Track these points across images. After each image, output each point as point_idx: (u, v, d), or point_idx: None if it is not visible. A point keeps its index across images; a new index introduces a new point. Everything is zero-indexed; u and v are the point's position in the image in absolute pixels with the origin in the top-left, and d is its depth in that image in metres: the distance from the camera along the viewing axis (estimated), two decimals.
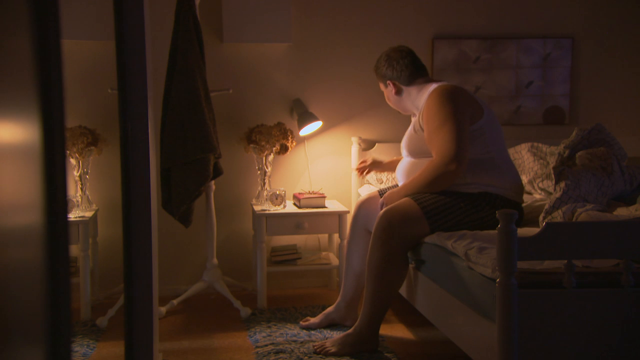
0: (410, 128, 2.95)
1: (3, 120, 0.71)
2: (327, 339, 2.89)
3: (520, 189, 2.85)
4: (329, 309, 3.13)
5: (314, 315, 3.19)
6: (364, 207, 3.09)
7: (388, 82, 3.01)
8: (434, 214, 2.68)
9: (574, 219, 2.60)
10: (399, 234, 2.68)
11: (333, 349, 2.73)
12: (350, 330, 2.78)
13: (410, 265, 2.85)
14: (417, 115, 2.89)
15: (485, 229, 2.68)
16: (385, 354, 2.75)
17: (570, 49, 4.04)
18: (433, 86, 2.86)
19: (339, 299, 3.11)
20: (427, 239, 2.69)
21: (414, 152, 2.89)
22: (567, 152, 3.15)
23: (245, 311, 3.30)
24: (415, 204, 2.71)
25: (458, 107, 2.73)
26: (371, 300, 2.73)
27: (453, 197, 2.73)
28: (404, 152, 2.97)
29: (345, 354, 2.71)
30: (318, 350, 2.75)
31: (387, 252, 2.68)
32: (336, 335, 2.91)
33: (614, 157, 3.00)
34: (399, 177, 2.97)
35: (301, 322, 3.12)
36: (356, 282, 3.06)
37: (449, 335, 2.49)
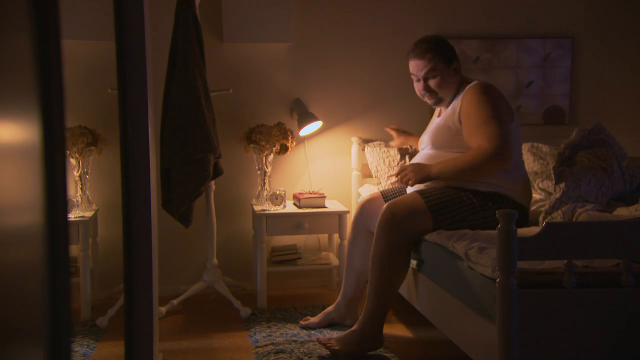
0: (437, 122, 2.92)
1: (3, 120, 0.71)
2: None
3: (529, 195, 2.85)
4: (329, 308, 3.12)
5: (314, 315, 3.19)
6: (365, 207, 3.08)
7: (456, 61, 2.93)
8: (438, 209, 2.68)
9: (574, 219, 2.60)
10: (402, 227, 2.67)
11: (337, 347, 2.71)
12: (354, 327, 2.75)
13: (411, 265, 2.85)
14: (455, 110, 2.84)
15: (488, 228, 2.68)
16: (386, 354, 2.75)
17: (570, 49, 4.04)
18: (473, 81, 2.87)
19: (339, 298, 3.11)
20: (428, 237, 2.69)
21: (442, 145, 2.85)
22: (567, 152, 3.15)
23: (245, 311, 3.30)
24: (420, 198, 2.71)
25: (504, 105, 2.78)
26: (374, 293, 2.71)
27: (461, 194, 2.73)
28: (425, 145, 2.95)
29: (348, 353, 2.70)
30: (323, 342, 2.74)
31: (391, 243, 2.68)
32: (336, 334, 2.90)
33: (614, 157, 3.00)
34: None
35: (301, 322, 3.12)
36: (357, 281, 3.06)
37: (449, 335, 2.49)
